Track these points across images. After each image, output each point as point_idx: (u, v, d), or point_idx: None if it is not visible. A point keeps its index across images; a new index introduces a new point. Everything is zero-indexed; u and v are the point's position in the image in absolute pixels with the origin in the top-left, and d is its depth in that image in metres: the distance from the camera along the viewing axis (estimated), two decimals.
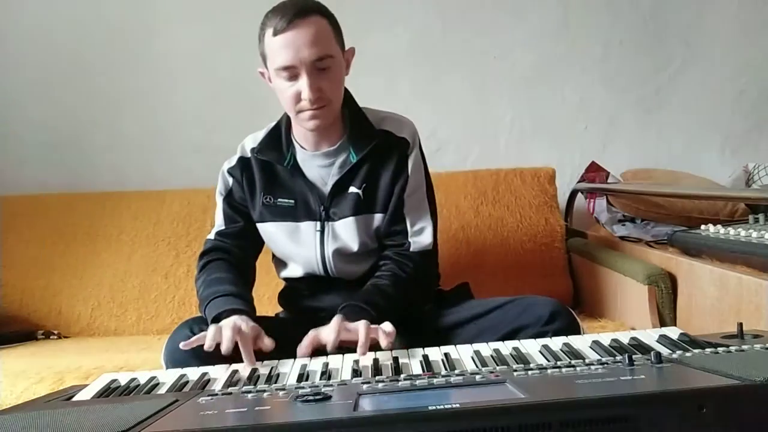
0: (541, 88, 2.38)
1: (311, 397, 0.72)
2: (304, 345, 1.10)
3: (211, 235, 1.40)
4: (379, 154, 1.33)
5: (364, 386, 0.76)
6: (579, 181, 2.27)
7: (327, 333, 1.10)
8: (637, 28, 2.38)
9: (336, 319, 1.12)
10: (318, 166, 1.35)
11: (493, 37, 2.37)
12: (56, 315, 2.02)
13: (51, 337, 1.97)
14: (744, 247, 1.28)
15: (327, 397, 0.72)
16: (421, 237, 1.34)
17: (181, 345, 1.09)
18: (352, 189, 1.33)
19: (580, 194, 2.27)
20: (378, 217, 1.34)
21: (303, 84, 1.21)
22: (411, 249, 1.33)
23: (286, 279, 1.46)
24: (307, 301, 1.42)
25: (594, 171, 2.25)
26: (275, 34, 1.20)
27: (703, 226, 1.52)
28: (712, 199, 1.94)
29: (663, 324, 1.49)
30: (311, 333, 1.12)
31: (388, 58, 2.31)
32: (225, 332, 1.08)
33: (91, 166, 2.37)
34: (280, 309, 1.53)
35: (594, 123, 2.40)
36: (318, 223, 1.34)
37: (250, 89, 2.35)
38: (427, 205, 1.38)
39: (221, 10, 2.34)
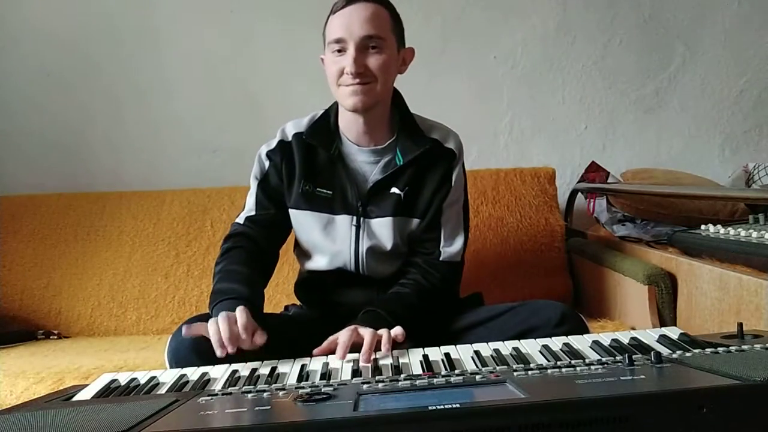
0: (541, 88, 2.38)
1: (311, 397, 0.72)
2: (323, 348, 1.10)
3: (240, 219, 1.37)
4: (425, 161, 1.34)
5: (364, 386, 0.76)
6: (579, 181, 2.27)
7: (341, 340, 1.09)
8: (637, 28, 2.38)
9: (349, 329, 1.12)
10: (362, 161, 1.35)
11: (493, 37, 2.37)
12: (56, 315, 2.02)
13: (51, 337, 1.97)
14: (744, 247, 1.28)
15: (327, 397, 0.72)
16: (451, 248, 1.34)
17: (184, 331, 1.09)
18: (395, 190, 1.33)
19: (580, 194, 2.27)
20: (415, 222, 1.35)
21: (348, 57, 1.22)
22: (440, 258, 1.33)
23: (310, 271, 1.42)
24: (329, 294, 1.40)
25: (594, 171, 2.25)
26: (334, 12, 1.23)
27: (703, 226, 1.52)
28: (712, 199, 1.93)
29: (663, 324, 1.49)
30: (331, 337, 1.11)
31: None
32: (222, 327, 1.07)
33: (91, 166, 2.37)
34: (283, 304, 1.53)
35: (594, 123, 2.40)
36: (354, 218, 1.33)
37: (250, 89, 2.35)
38: (462, 219, 1.39)
39: (222, 11, 2.34)
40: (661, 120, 2.40)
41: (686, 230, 1.62)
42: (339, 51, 1.23)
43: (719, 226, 1.46)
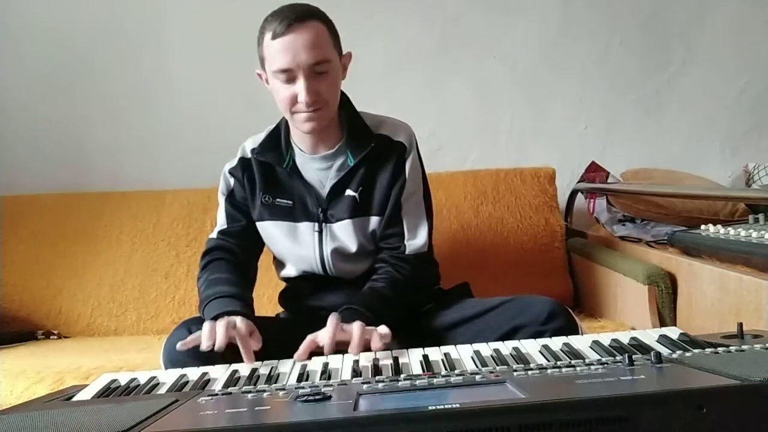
0: (541, 88, 2.38)
1: (311, 397, 0.72)
2: (301, 351, 1.08)
3: (213, 234, 1.41)
4: (376, 157, 1.34)
5: (364, 386, 0.76)
6: (579, 181, 2.27)
7: (323, 335, 1.10)
8: (637, 28, 2.38)
9: (331, 322, 1.12)
10: (316, 169, 1.36)
11: (493, 37, 2.37)
12: (56, 315, 2.02)
13: (51, 337, 1.97)
14: (744, 247, 1.28)
15: (327, 397, 0.72)
16: (416, 240, 1.35)
17: (178, 346, 1.09)
18: (349, 192, 1.34)
19: (580, 194, 2.27)
20: (374, 220, 1.35)
21: (300, 87, 1.22)
22: (407, 252, 1.34)
23: (285, 279, 1.46)
24: (307, 300, 1.42)
25: (594, 171, 2.25)
26: (274, 37, 1.22)
27: (703, 226, 1.52)
28: (712, 199, 1.93)
29: (663, 324, 1.49)
30: (309, 338, 1.11)
31: (388, 58, 2.31)
32: (219, 329, 1.09)
33: (91, 166, 2.37)
34: (279, 309, 1.54)
35: (594, 123, 2.40)
36: (316, 224, 1.35)
37: (249, 89, 2.34)
38: (424, 208, 1.39)
39: (221, 11, 2.34)
40: (661, 120, 2.40)
41: (686, 230, 1.62)
42: (288, 80, 1.23)
43: (719, 226, 1.46)
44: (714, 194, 1.88)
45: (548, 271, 1.99)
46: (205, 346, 1.08)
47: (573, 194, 2.26)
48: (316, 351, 1.10)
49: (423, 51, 2.35)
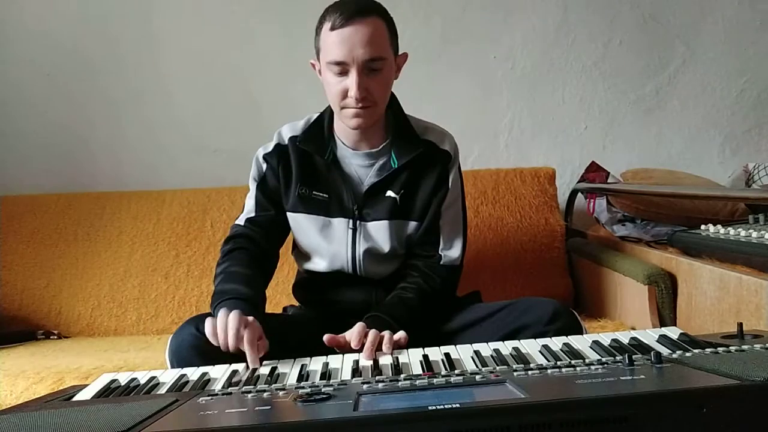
0: (541, 88, 2.38)
1: (311, 397, 0.72)
2: (329, 338, 1.11)
3: (240, 221, 1.38)
4: (421, 163, 1.34)
5: (364, 386, 0.76)
6: (579, 181, 2.27)
7: (350, 335, 1.11)
8: (637, 28, 2.38)
9: (359, 325, 1.13)
10: (357, 165, 1.35)
11: (493, 37, 2.37)
12: (56, 315, 2.02)
13: (51, 337, 1.97)
14: (744, 247, 1.28)
15: (327, 397, 0.72)
16: (451, 251, 1.35)
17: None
18: (390, 193, 1.33)
19: (580, 194, 2.27)
20: (413, 225, 1.35)
21: (352, 81, 1.21)
22: (441, 262, 1.34)
23: (308, 271, 1.43)
24: (327, 294, 1.41)
25: (594, 171, 2.25)
26: (333, 28, 1.20)
27: (703, 226, 1.52)
28: (712, 199, 1.93)
29: (663, 324, 1.49)
30: (344, 333, 1.13)
31: None
32: (230, 331, 1.07)
33: (91, 166, 2.37)
34: (282, 304, 1.53)
35: (594, 123, 2.40)
36: (350, 221, 1.34)
37: (250, 89, 2.35)
38: (462, 220, 1.39)
39: (222, 11, 2.34)
40: (661, 120, 2.40)
41: (686, 230, 1.62)
42: (340, 73, 1.22)
43: (719, 226, 1.46)
44: (714, 194, 1.88)
45: (548, 271, 1.99)
46: (215, 342, 1.08)
47: (573, 194, 2.26)
48: (339, 347, 1.12)
49: (423, 50, 2.35)
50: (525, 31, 2.37)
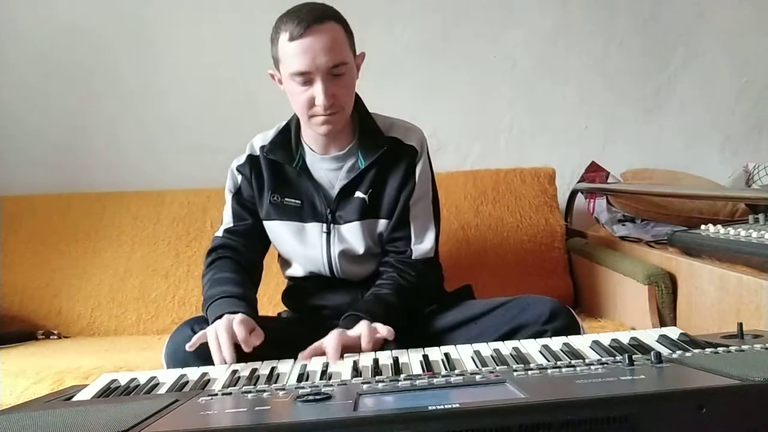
0: (541, 88, 2.38)
1: (311, 397, 0.72)
2: (306, 353, 1.09)
3: (219, 233, 1.41)
4: (387, 160, 1.34)
5: (364, 386, 0.76)
6: (579, 181, 2.27)
7: (327, 343, 1.09)
8: (637, 28, 2.38)
9: (335, 331, 1.12)
10: (326, 169, 1.36)
11: (493, 37, 2.37)
12: (56, 315, 2.02)
13: (51, 337, 1.97)
14: (744, 247, 1.28)
15: (327, 397, 0.72)
16: (422, 245, 1.35)
17: (187, 347, 1.10)
18: (358, 194, 1.34)
19: (580, 194, 2.27)
20: (382, 223, 1.35)
21: (318, 90, 1.21)
22: (413, 256, 1.34)
23: (290, 278, 1.46)
24: (312, 299, 1.42)
25: (594, 171, 2.25)
26: (291, 39, 1.19)
27: (703, 226, 1.52)
28: (712, 199, 1.93)
29: (663, 324, 1.49)
30: (314, 345, 1.11)
31: (388, 58, 2.31)
32: (223, 342, 1.08)
33: (91, 166, 2.37)
34: (279, 309, 1.54)
35: (594, 123, 2.40)
36: (324, 225, 1.35)
37: (249, 89, 2.35)
38: (432, 213, 1.39)
39: (221, 10, 2.34)
40: (661, 120, 2.40)
41: (686, 230, 1.62)
42: (304, 82, 1.22)
43: (719, 226, 1.46)
44: (714, 194, 1.88)
45: (548, 271, 1.99)
46: (218, 362, 1.08)
47: (573, 194, 2.26)
48: (321, 356, 1.10)
49: (423, 50, 2.35)
50: (525, 31, 2.37)
